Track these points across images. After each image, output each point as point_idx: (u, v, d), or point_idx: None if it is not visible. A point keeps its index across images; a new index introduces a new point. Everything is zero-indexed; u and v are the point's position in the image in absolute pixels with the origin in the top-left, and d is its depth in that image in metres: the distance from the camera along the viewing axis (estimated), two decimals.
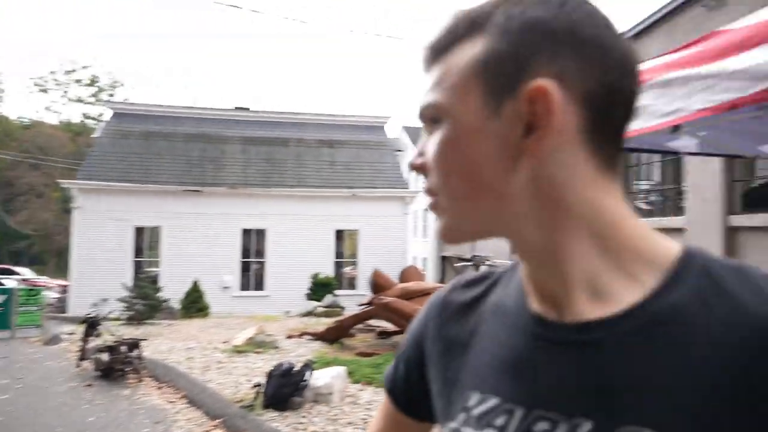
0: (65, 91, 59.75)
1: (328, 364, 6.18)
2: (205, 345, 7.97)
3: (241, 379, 5.90)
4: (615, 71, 0.52)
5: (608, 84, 0.51)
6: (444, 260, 21.14)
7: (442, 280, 19.16)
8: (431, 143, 0.56)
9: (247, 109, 20.62)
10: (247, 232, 18.27)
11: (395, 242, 18.30)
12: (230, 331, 9.54)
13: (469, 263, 8.87)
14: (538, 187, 0.52)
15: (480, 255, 9.06)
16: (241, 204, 18.13)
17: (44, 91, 60.93)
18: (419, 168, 0.58)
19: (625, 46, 0.54)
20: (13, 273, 24.07)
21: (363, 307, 7.95)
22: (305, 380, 4.93)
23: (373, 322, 8.40)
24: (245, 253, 18.21)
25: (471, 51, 0.53)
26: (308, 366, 5.17)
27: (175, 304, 13.15)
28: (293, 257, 18.00)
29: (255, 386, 5.02)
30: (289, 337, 8.41)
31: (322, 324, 9.79)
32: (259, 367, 6.47)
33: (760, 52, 1.37)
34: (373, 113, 21.52)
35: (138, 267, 17.37)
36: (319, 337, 8.01)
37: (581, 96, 0.51)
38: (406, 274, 8.90)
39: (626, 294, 0.52)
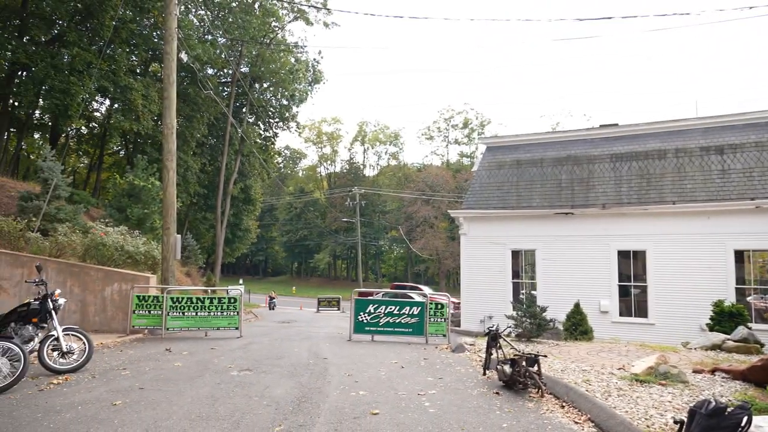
0: (445, 136, 70.19)
1: (762, 411, 5.06)
2: (598, 369, 7.69)
3: (651, 411, 5.39)
4: None
5: None
6: None
7: None
8: None
9: (616, 125, 19.59)
10: (622, 254, 17.19)
11: None
12: (621, 357, 8.99)
13: None
14: None
15: None
16: (615, 224, 17.26)
17: (430, 138, 72.99)
18: None
19: None
20: (419, 289, 29.13)
21: None
22: (743, 426, 4.08)
23: None
24: (621, 276, 17.13)
25: None
26: (745, 408, 4.27)
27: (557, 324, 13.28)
28: (679, 282, 15.96)
29: (676, 422, 4.46)
30: (697, 371, 7.31)
31: (736, 360, 8.22)
32: (668, 401, 5.81)
33: None
34: None
35: (515, 288, 18.44)
36: (739, 376, 6.69)
37: None
38: None
39: None
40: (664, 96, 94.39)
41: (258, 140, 42.96)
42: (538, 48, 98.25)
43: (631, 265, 17.07)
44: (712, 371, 7.23)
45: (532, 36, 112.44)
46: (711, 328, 11.61)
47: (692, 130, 17.90)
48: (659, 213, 16.61)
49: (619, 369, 7.66)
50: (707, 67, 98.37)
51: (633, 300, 16.88)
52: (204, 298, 12.88)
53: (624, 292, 17.03)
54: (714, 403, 4.30)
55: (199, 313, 12.46)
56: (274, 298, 37.06)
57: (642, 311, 16.63)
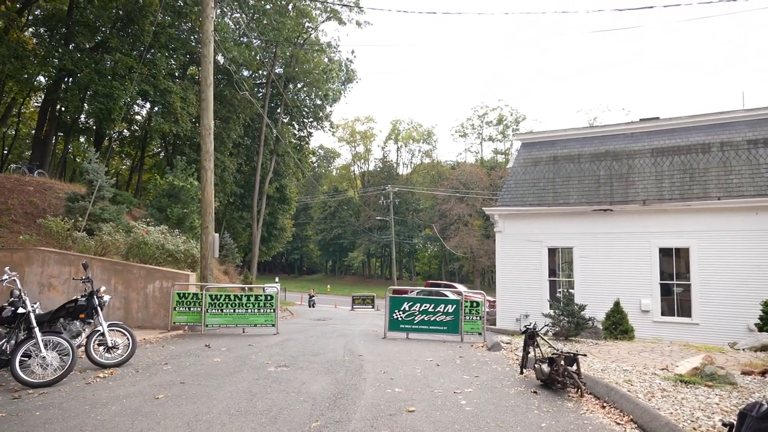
0: (479, 134, 69.61)
1: None
2: (640, 369, 7.47)
3: (697, 413, 5.20)
4: None
5: None
6: None
7: None
8: None
9: (657, 118, 18.97)
10: (664, 252, 16.66)
11: None
12: (665, 357, 8.71)
13: None
14: None
15: None
16: (656, 221, 16.74)
17: (463, 136, 72.47)
18: None
19: None
20: (453, 287, 28.91)
21: None
22: None
23: None
24: (663, 274, 16.60)
25: None
26: None
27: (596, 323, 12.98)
28: (725, 281, 15.36)
29: (725, 425, 4.29)
30: (746, 373, 7.02)
31: None
32: (716, 403, 5.59)
33: None
34: None
35: (552, 286, 18.11)
36: None
37: None
38: None
39: None
40: (707, 87, 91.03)
41: (293, 140, 43.51)
42: (575, 41, 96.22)
43: (674, 263, 16.52)
44: (763, 373, 6.93)
45: (569, 28, 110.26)
46: (760, 329, 11.13)
47: (738, 123, 17.18)
48: (703, 209, 16.02)
49: (663, 369, 7.42)
50: (755, 56, 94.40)
51: (675, 299, 16.34)
52: (241, 295, 13.13)
53: (666, 290, 16.50)
54: (766, 406, 4.10)
55: (236, 311, 12.71)
56: (313, 296, 37.61)
57: (685, 310, 16.08)
